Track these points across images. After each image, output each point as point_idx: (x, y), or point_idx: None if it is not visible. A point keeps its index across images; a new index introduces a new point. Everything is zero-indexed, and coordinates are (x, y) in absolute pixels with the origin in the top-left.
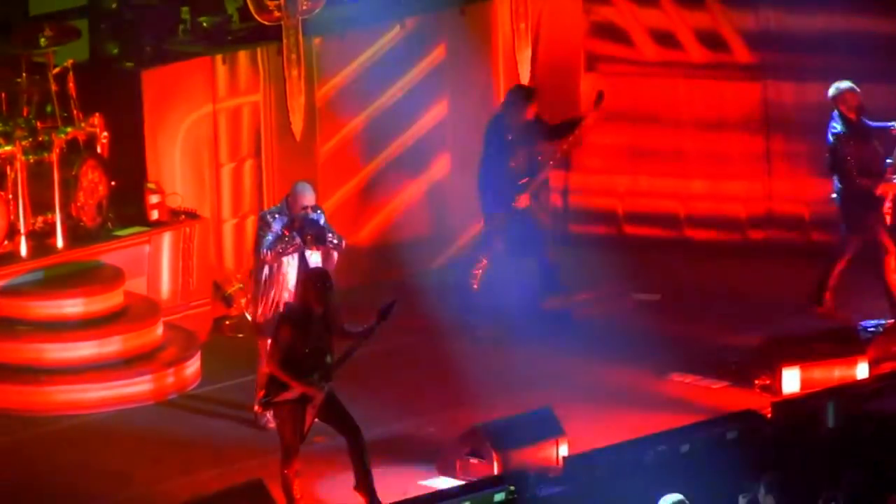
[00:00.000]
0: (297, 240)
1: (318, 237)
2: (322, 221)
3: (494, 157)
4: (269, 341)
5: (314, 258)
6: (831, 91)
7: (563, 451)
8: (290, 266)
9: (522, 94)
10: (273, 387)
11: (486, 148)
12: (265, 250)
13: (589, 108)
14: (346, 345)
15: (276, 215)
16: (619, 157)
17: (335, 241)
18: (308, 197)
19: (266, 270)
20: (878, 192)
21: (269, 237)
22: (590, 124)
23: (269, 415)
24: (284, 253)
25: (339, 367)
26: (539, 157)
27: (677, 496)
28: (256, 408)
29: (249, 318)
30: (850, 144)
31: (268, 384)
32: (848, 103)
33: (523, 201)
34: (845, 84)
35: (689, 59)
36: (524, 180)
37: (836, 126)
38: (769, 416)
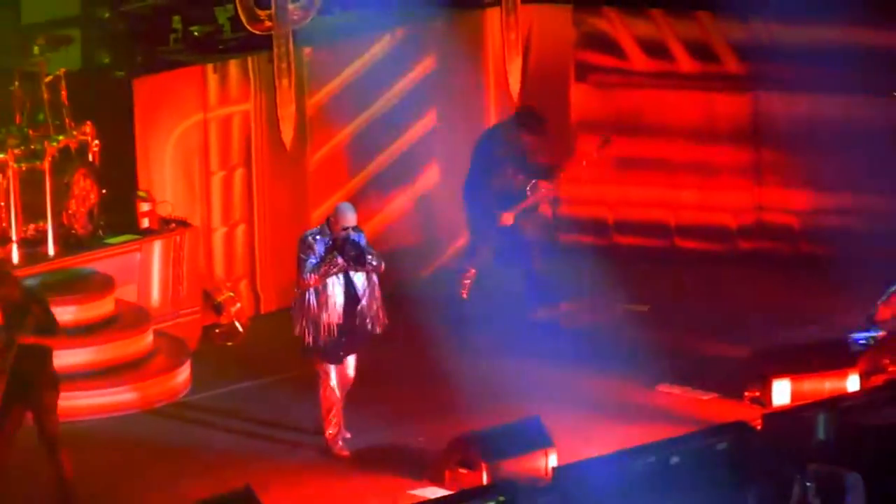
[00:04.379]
0: (340, 260)
1: (357, 258)
2: (363, 242)
3: (482, 170)
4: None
5: (358, 278)
6: None
7: (553, 461)
8: (336, 287)
9: (530, 120)
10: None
11: (475, 159)
12: (309, 274)
13: (592, 148)
14: None
15: (318, 237)
16: (609, 167)
17: (374, 263)
18: (349, 217)
19: (311, 293)
20: None
21: (313, 260)
22: (587, 164)
23: (340, 442)
24: (328, 274)
25: None
26: (531, 186)
27: None
28: (328, 434)
29: (240, 326)
30: None
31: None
32: None
33: (507, 219)
34: None
35: (679, 70)
36: (511, 200)
37: None
38: (759, 427)
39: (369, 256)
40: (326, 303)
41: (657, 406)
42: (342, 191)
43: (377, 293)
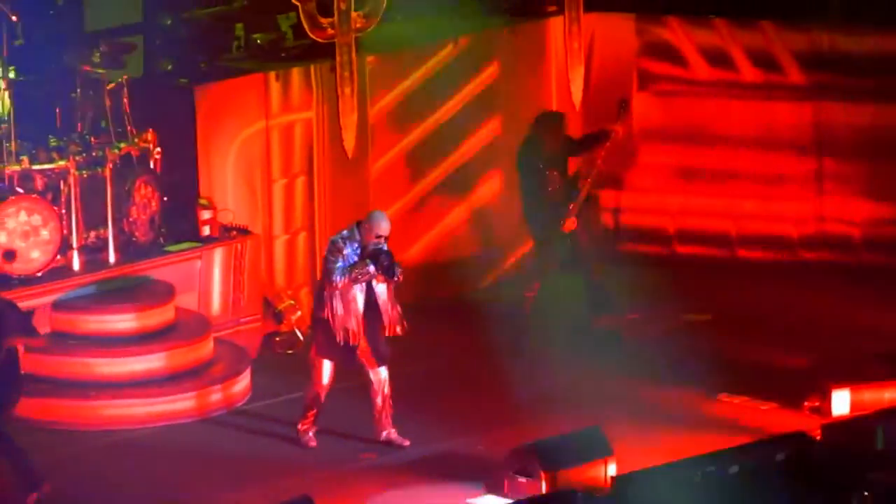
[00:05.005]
0: (372, 269)
1: (388, 269)
2: (385, 250)
3: (532, 185)
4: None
5: (380, 286)
6: None
7: (612, 470)
8: (359, 292)
9: (549, 120)
10: None
11: (523, 177)
12: (338, 277)
13: (615, 118)
14: None
15: (347, 241)
16: (670, 176)
17: (399, 276)
18: (384, 226)
19: (332, 296)
20: None
21: (342, 264)
22: (618, 136)
23: (312, 433)
24: (357, 281)
25: None
26: (576, 177)
27: None
28: (300, 427)
29: (300, 335)
30: None
31: None
32: None
33: (570, 225)
34: None
35: (741, 79)
36: (568, 202)
37: None
38: (819, 438)
39: (397, 269)
40: (347, 306)
41: (717, 415)
42: (403, 199)
43: (394, 300)
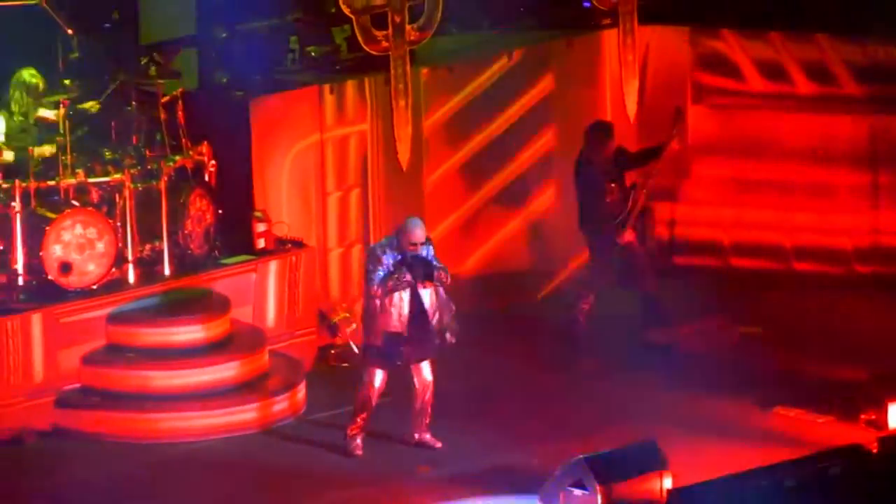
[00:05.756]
0: (408, 277)
1: (427, 275)
2: (431, 255)
3: (589, 196)
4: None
5: (425, 292)
6: None
7: (667, 484)
8: (403, 300)
9: (600, 130)
10: None
11: (580, 189)
12: (376, 286)
13: (669, 129)
14: None
15: (386, 249)
16: (725, 188)
17: (442, 278)
18: (419, 233)
19: (377, 303)
20: None
21: (380, 272)
22: (675, 148)
23: (359, 440)
24: (395, 289)
25: None
26: (633, 189)
27: None
28: (349, 431)
29: (355, 347)
30: None
31: None
32: None
33: (627, 236)
34: None
35: (796, 92)
36: (625, 214)
37: None
38: (875, 451)
39: (437, 272)
40: (392, 313)
41: (772, 428)
42: (458, 211)
43: (448, 305)
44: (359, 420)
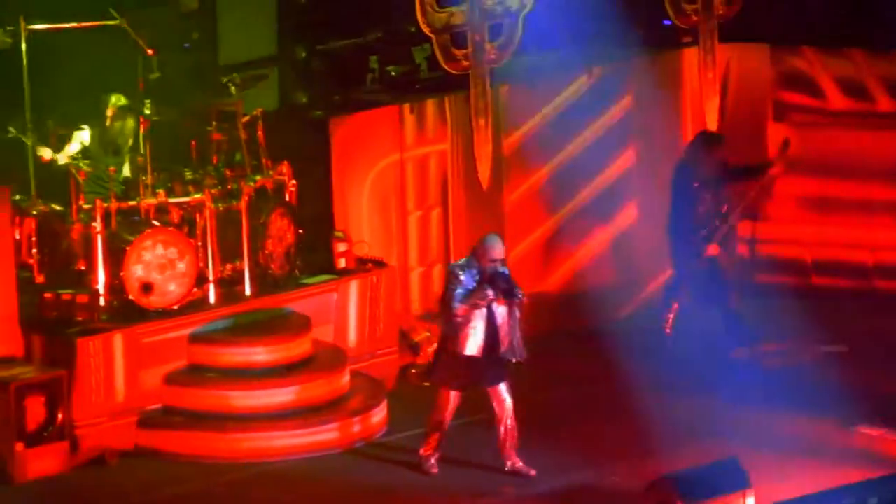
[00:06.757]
0: (490, 293)
1: (507, 292)
2: (507, 274)
3: (682, 203)
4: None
5: (499, 310)
6: None
7: (750, 502)
8: (479, 319)
9: (709, 140)
10: None
11: (674, 195)
12: (457, 304)
13: (775, 155)
14: None
15: (465, 269)
16: (807, 206)
17: (520, 296)
18: (498, 250)
19: (455, 323)
20: None
21: (460, 291)
22: (777, 170)
23: (434, 460)
24: (477, 306)
25: None
26: (727, 204)
27: None
28: (423, 452)
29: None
30: None
31: None
32: None
33: (713, 249)
34: None
35: (878, 109)
36: (713, 228)
37: None
38: None
39: (517, 290)
40: (468, 333)
41: (855, 447)
42: (539, 230)
43: (518, 325)
44: (432, 440)
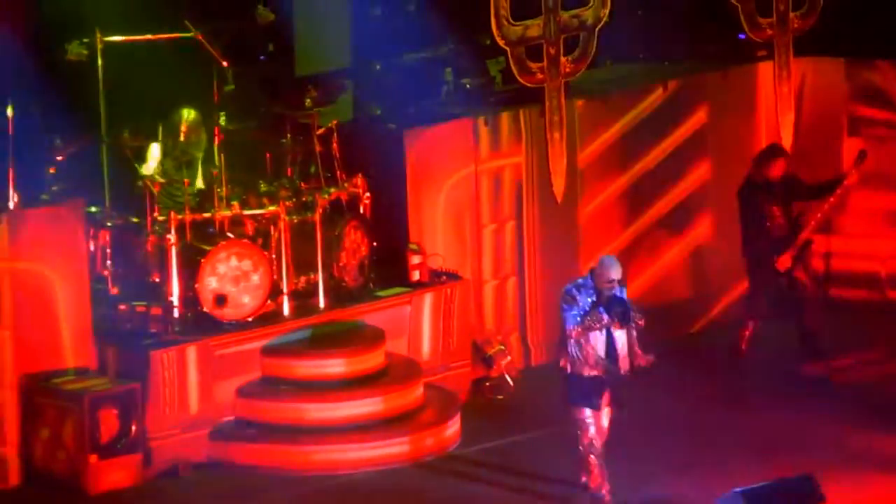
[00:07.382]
0: (605, 317)
1: (623, 315)
2: (625, 296)
3: (750, 217)
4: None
5: (618, 333)
6: None
7: None
8: (598, 341)
9: (771, 154)
10: None
11: (743, 210)
12: (572, 326)
13: (850, 167)
14: None
15: (581, 289)
16: (881, 220)
17: (635, 322)
18: (615, 271)
19: (573, 344)
20: None
21: (574, 312)
22: (851, 183)
23: (605, 490)
24: (591, 329)
25: None
26: (799, 218)
27: None
28: (591, 483)
29: (510, 380)
30: None
31: None
32: None
33: (784, 262)
34: None
35: None
36: (784, 242)
37: None
38: None
39: (633, 313)
40: (587, 353)
41: None
42: (613, 243)
43: (636, 346)
44: (592, 468)
